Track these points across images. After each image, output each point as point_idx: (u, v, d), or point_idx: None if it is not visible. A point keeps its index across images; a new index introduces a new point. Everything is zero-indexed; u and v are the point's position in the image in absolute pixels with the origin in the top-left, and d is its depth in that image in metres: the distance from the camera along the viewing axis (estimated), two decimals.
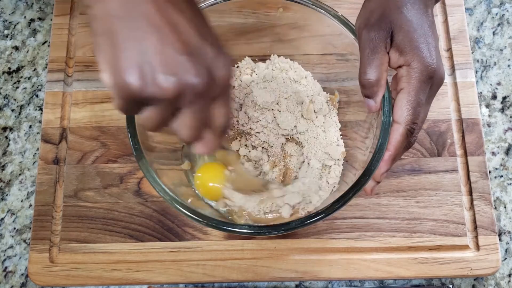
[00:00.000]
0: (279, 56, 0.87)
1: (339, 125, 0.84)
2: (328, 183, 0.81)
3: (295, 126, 0.82)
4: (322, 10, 0.76)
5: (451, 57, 0.91)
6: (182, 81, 0.50)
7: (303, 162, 0.82)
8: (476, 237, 0.82)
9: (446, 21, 0.93)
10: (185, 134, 0.54)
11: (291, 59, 0.87)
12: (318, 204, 0.77)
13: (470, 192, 0.84)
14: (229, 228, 0.66)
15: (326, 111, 0.83)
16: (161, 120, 0.53)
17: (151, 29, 0.49)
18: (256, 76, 0.86)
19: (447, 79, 0.90)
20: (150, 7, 0.49)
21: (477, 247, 0.81)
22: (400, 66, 0.65)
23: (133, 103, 0.51)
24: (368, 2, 0.69)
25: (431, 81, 0.64)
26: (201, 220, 0.66)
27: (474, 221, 0.83)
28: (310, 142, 0.82)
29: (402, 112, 0.64)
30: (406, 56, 0.63)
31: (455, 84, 0.90)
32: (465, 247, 0.81)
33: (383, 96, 0.67)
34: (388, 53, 0.65)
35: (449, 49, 0.92)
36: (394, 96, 0.67)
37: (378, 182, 0.68)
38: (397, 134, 0.65)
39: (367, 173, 0.66)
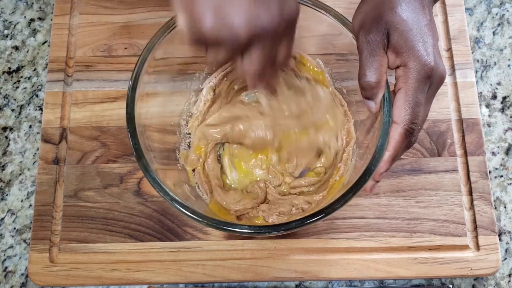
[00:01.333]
0: None
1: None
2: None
3: None
4: (322, 10, 0.76)
5: (451, 57, 0.91)
6: (255, 24, 0.53)
7: None
8: (476, 237, 0.82)
9: (446, 21, 0.93)
10: (251, 72, 0.58)
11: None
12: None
13: (470, 192, 0.84)
14: (229, 228, 0.66)
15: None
16: (230, 59, 0.57)
17: None
18: None
19: (447, 79, 0.90)
20: None
21: (477, 247, 0.81)
22: (397, 67, 0.65)
23: (204, 42, 0.54)
24: (363, 4, 0.69)
25: (430, 80, 0.63)
26: (201, 220, 0.66)
27: (474, 221, 0.82)
28: None
29: (400, 112, 0.64)
30: (402, 56, 0.63)
31: (455, 84, 0.89)
32: (465, 247, 0.81)
33: (383, 97, 0.67)
34: (386, 54, 0.65)
35: (449, 49, 0.92)
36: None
37: (378, 181, 0.68)
38: (396, 134, 0.65)
39: (367, 173, 0.66)
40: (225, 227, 0.66)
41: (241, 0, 0.52)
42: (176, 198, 0.67)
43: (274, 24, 0.54)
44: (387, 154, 0.65)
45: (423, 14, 0.65)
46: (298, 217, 0.66)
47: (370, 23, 0.65)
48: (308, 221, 0.65)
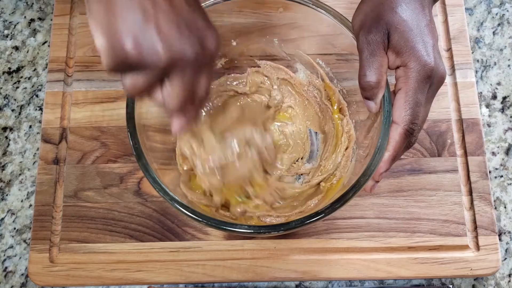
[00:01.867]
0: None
1: None
2: None
3: None
4: (322, 10, 0.76)
5: (451, 57, 0.91)
6: (175, 50, 0.51)
7: None
8: (476, 237, 0.82)
9: (446, 21, 0.93)
10: (170, 102, 0.56)
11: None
12: None
13: (470, 192, 0.84)
14: (229, 228, 0.66)
15: None
16: (147, 86, 0.54)
17: (148, 1, 0.50)
18: None
19: (447, 79, 0.90)
20: None
21: (477, 247, 0.81)
22: (398, 67, 0.65)
23: (123, 66, 0.52)
24: (363, 4, 0.69)
25: (430, 80, 0.63)
26: (201, 219, 0.66)
27: (474, 221, 0.83)
28: None
29: (400, 112, 0.64)
30: (402, 56, 0.63)
31: (455, 84, 0.90)
32: (465, 247, 0.81)
33: (383, 97, 0.67)
34: (386, 54, 0.65)
35: (449, 49, 0.92)
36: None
37: (378, 182, 0.68)
38: (395, 134, 0.65)
39: (367, 173, 0.66)
40: (224, 227, 0.66)
41: (164, 25, 0.51)
42: (176, 197, 0.67)
43: (195, 53, 0.53)
44: (387, 155, 0.66)
45: (423, 14, 0.65)
46: (298, 217, 0.66)
47: (370, 23, 0.65)
48: (308, 221, 0.65)
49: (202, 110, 0.70)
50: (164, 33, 0.51)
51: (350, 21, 0.72)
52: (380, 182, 0.69)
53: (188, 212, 0.66)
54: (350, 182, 0.68)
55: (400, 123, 0.64)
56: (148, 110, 0.74)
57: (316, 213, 0.66)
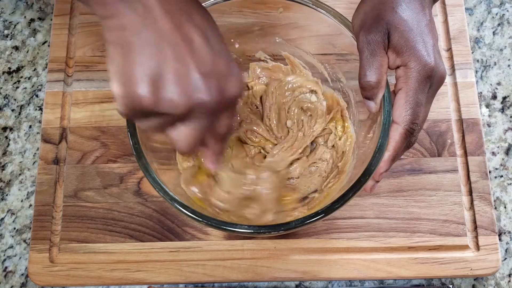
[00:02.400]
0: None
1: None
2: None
3: None
4: (322, 10, 0.76)
5: (451, 57, 0.91)
6: (194, 100, 0.51)
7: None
8: (476, 237, 0.82)
9: (446, 21, 0.93)
10: (182, 146, 0.56)
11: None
12: None
13: (470, 192, 0.84)
14: (229, 228, 0.66)
15: None
16: (163, 129, 0.55)
17: (167, 45, 0.50)
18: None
19: (447, 79, 0.90)
20: (166, 23, 0.50)
21: (477, 247, 0.81)
22: (398, 67, 0.64)
23: (137, 114, 0.52)
24: (363, 4, 0.69)
25: (430, 80, 0.63)
26: (201, 219, 0.66)
27: (474, 221, 0.83)
28: None
29: (400, 112, 0.64)
30: (402, 56, 0.63)
31: (455, 84, 0.90)
32: (465, 247, 0.81)
33: (383, 97, 0.67)
34: (386, 54, 0.65)
35: (449, 49, 0.92)
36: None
37: (378, 181, 0.68)
38: (396, 134, 0.65)
39: (367, 173, 0.66)
40: (224, 227, 0.66)
41: (182, 73, 0.50)
42: (176, 197, 0.67)
43: (214, 99, 0.52)
44: (387, 154, 0.65)
45: (423, 14, 0.65)
46: (298, 217, 0.66)
47: (370, 23, 0.65)
48: (308, 221, 0.65)
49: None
50: (182, 82, 0.50)
51: (350, 21, 0.72)
52: (380, 182, 0.69)
53: (188, 212, 0.66)
54: (350, 182, 0.68)
55: (401, 123, 0.64)
56: None
57: (316, 213, 0.66)
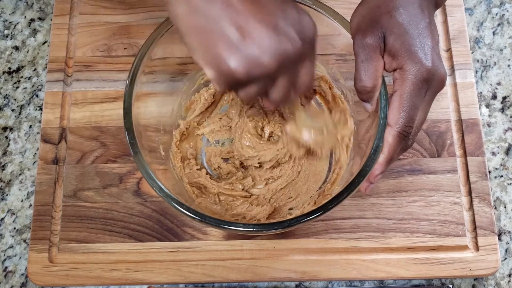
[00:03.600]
0: None
1: None
2: None
3: None
4: (321, 10, 0.75)
5: (450, 58, 0.91)
6: (280, 53, 0.52)
7: None
8: (476, 237, 0.82)
9: (445, 22, 0.93)
10: (278, 98, 0.58)
11: None
12: None
13: (470, 193, 0.84)
14: (227, 226, 0.66)
15: None
16: (261, 94, 0.57)
17: (235, 12, 0.51)
18: None
19: (447, 80, 0.89)
20: None
21: (477, 248, 0.81)
22: (395, 70, 0.64)
23: (235, 86, 0.55)
24: (361, 6, 0.69)
25: (427, 83, 0.63)
26: (198, 218, 0.66)
27: (474, 221, 0.82)
28: None
29: (394, 115, 0.64)
30: (398, 59, 0.63)
31: (454, 85, 0.90)
32: (464, 248, 0.81)
33: (381, 98, 0.67)
34: (383, 57, 0.65)
35: (449, 50, 0.92)
36: None
37: (372, 183, 0.67)
38: (389, 137, 0.64)
39: (361, 174, 0.66)
40: (223, 225, 0.66)
41: (259, 34, 0.51)
42: (171, 194, 0.67)
43: (298, 47, 0.54)
44: (382, 157, 0.65)
45: (422, 16, 0.65)
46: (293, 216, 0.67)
47: (366, 27, 0.65)
48: (303, 220, 0.65)
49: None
50: (262, 43, 0.51)
51: (349, 21, 0.72)
52: (379, 183, 0.69)
53: (183, 209, 0.66)
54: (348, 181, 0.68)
55: (394, 126, 0.64)
56: (146, 111, 0.75)
57: (310, 213, 0.66)
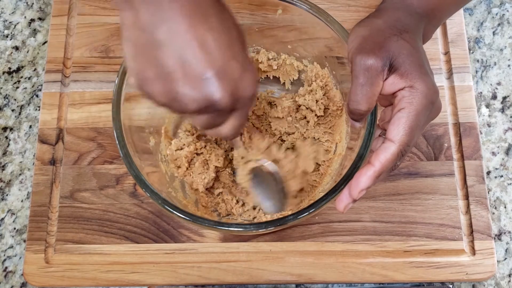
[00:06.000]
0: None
1: None
2: None
3: None
4: (320, 17, 0.75)
5: (449, 61, 0.90)
6: (204, 100, 0.52)
7: None
8: (472, 241, 0.81)
9: (444, 24, 0.92)
10: (200, 130, 0.62)
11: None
12: None
13: (467, 196, 0.84)
14: (219, 227, 0.67)
15: None
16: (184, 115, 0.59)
17: (179, 45, 0.50)
18: None
19: (445, 83, 0.90)
20: (181, 22, 0.50)
21: (473, 252, 0.81)
22: (401, 89, 0.61)
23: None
24: (360, 28, 0.66)
25: (432, 106, 0.61)
26: (187, 218, 0.67)
27: (470, 225, 0.82)
28: None
29: (399, 131, 0.60)
30: (408, 77, 0.60)
31: (452, 88, 0.89)
32: (461, 252, 0.81)
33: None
34: (384, 80, 0.62)
35: (447, 53, 0.91)
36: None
37: (355, 200, 0.63)
38: (388, 152, 0.60)
39: (342, 182, 0.66)
40: (219, 227, 0.67)
41: (193, 73, 0.50)
42: (153, 189, 0.68)
43: (224, 105, 0.53)
44: (372, 169, 0.61)
45: (420, 42, 0.65)
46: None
47: (370, 48, 0.62)
48: (281, 223, 0.67)
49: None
50: (193, 82, 0.51)
51: (346, 29, 0.72)
52: (376, 186, 0.68)
53: (166, 205, 0.68)
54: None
55: (396, 142, 0.60)
56: (140, 111, 0.75)
57: (287, 216, 0.67)
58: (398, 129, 0.60)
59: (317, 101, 0.83)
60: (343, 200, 0.63)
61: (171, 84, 0.51)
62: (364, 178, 0.61)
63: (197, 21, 0.50)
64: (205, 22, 0.51)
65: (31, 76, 0.94)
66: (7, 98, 0.93)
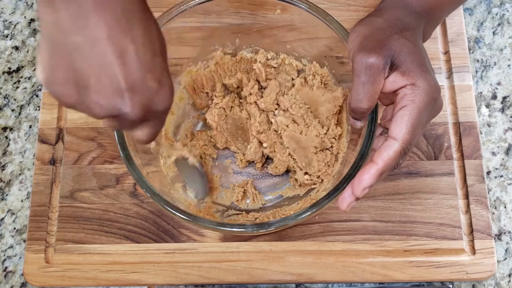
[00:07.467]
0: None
1: None
2: None
3: None
4: (319, 16, 0.75)
5: (449, 60, 0.90)
6: (113, 111, 0.51)
7: None
8: (472, 240, 0.81)
9: (444, 24, 0.93)
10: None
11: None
12: None
13: (467, 196, 0.84)
14: (224, 228, 0.67)
15: None
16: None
17: (97, 52, 0.48)
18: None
19: (445, 82, 0.90)
20: (102, 29, 0.48)
21: (473, 251, 0.81)
22: (402, 87, 0.61)
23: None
24: (361, 26, 0.66)
25: (434, 104, 0.61)
26: (187, 218, 0.67)
27: (470, 224, 0.82)
28: None
29: (401, 129, 0.60)
30: (409, 75, 0.60)
31: (452, 87, 0.89)
32: (461, 251, 0.81)
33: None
34: (386, 78, 0.62)
35: (447, 52, 0.91)
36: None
37: (358, 198, 0.63)
38: (391, 150, 0.60)
39: (345, 181, 0.66)
40: (219, 227, 0.68)
41: (106, 82, 0.49)
42: (152, 188, 0.68)
43: (135, 114, 0.52)
44: (374, 168, 0.61)
45: (420, 40, 0.65)
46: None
47: (372, 46, 0.62)
48: (284, 222, 0.67)
49: None
50: (105, 92, 0.50)
51: (346, 29, 0.72)
52: (376, 185, 0.67)
53: (167, 205, 0.68)
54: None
55: (399, 140, 0.60)
56: None
57: (290, 216, 0.67)
58: (401, 126, 0.60)
59: None
60: (345, 198, 0.63)
61: (82, 90, 0.49)
62: (367, 176, 0.61)
63: (120, 29, 0.49)
64: (128, 31, 0.49)
65: (31, 76, 0.94)
66: (7, 98, 0.93)
